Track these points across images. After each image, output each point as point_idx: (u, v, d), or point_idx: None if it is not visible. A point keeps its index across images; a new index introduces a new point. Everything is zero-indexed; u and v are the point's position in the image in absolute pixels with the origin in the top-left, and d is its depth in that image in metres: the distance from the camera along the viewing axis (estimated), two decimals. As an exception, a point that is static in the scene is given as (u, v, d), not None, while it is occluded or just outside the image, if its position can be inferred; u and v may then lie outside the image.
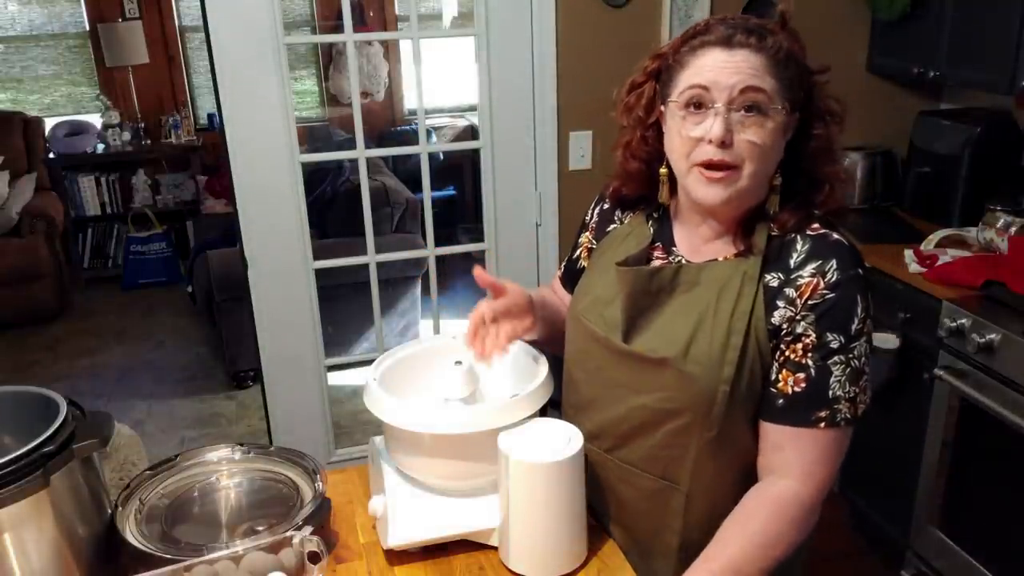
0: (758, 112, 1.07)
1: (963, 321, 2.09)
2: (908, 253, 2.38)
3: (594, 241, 1.35)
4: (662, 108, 1.16)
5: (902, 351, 2.32)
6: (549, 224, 2.71)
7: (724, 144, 1.07)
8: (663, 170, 1.20)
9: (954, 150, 2.59)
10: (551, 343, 1.34)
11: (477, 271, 1.24)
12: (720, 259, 1.17)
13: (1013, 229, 2.26)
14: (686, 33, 1.15)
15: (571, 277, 1.38)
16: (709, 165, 1.09)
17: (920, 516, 2.34)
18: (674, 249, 1.23)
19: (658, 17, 2.60)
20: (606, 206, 1.35)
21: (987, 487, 2.13)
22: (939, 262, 2.28)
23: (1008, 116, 2.63)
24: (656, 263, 1.23)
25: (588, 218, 1.38)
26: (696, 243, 1.20)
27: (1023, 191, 2.42)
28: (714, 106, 1.07)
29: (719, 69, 1.07)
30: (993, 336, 2.01)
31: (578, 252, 1.39)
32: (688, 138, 1.10)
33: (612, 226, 1.32)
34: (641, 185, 1.26)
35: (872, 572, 2.56)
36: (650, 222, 1.27)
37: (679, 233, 1.23)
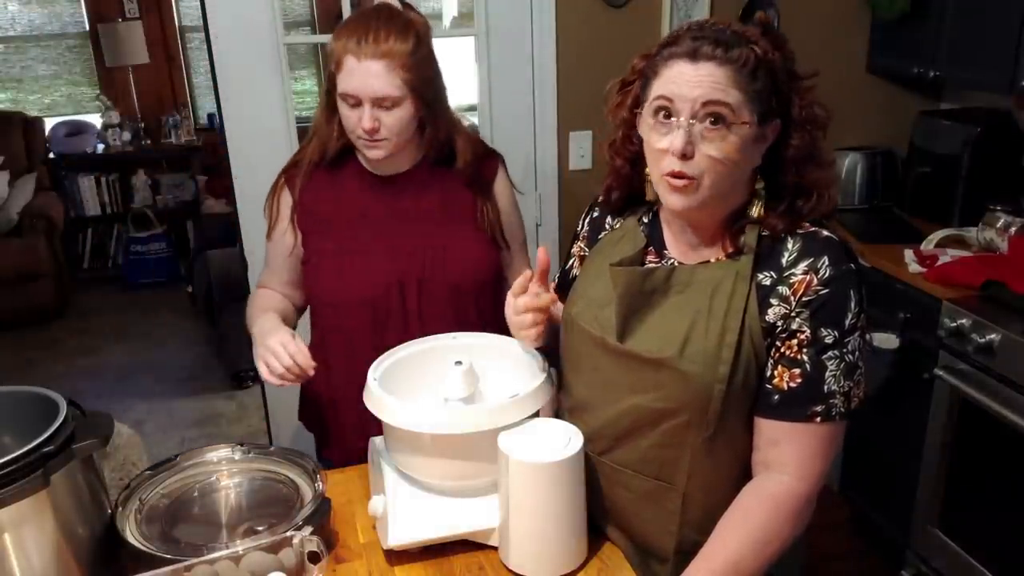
0: (721, 125, 1.07)
1: (963, 321, 2.09)
2: (908, 253, 2.38)
3: (586, 249, 1.36)
4: (638, 113, 1.17)
5: (902, 351, 2.32)
6: (549, 224, 2.71)
7: (685, 156, 1.08)
8: (648, 169, 1.20)
9: (954, 150, 2.58)
10: (549, 353, 1.34)
11: (543, 251, 1.24)
12: (712, 260, 1.18)
13: (1013, 229, 2.25)
14: (666, 37, 1.16)
15: (565, 287, 1.39)
16: (672, 175, 1.10)
17: (920, 516, 2.34)
18: (666, 252, 1.24)
19: (658, 17, 2.60)
20: (596, 214, 1.36)
21: (987, 487, 2.13)
22: (939, 262, 2.28)
23: (1008, 116, 2.62)
24: (649, 266, 1.23)
25: (579, 228, 1.40)
26: (686, 247, 1.21)
27: (1023, 191, 2.42)
28: (678, 119, 1.08)
29: (683, 82, 1.08)
30: (993, 336, 2.01)
31: (571, 262, 1.41)
32: (655, 149, 1.11)
33: (603, 233, 1.34)
34: (628, 183, 1.27)
35: (872, 572, 2.56)
36: (641, 227, 1.27)
37: (669, 238, 1.24)
